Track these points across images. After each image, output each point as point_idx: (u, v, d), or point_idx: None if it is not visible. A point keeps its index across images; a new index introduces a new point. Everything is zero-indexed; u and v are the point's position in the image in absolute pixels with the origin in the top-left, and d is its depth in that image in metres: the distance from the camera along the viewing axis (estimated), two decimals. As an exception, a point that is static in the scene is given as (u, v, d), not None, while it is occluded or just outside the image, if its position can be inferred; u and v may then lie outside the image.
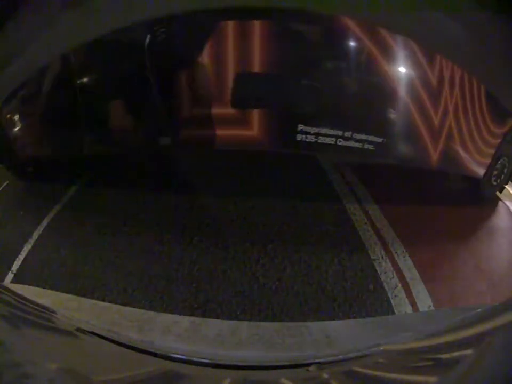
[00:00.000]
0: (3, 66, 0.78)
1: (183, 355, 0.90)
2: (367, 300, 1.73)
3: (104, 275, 1.89)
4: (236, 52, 1.71)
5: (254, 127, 1.75)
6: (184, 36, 1.85)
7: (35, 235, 2.15)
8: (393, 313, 1.69)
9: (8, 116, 2.43)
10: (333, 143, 1.70)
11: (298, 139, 1.70)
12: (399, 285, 1.81)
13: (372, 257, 1.96)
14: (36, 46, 0.79)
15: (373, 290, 1.78)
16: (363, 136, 1.70)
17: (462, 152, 1.91)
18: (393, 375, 0.87)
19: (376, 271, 1.88)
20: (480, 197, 2.32)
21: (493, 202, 2.47)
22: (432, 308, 1.71)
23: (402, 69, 1.66)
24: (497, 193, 2.46)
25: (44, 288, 1.73)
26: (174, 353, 0.90)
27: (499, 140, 2.17)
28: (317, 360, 0.86)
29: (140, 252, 2.00)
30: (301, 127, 1.68)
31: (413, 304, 1.73)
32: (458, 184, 2.53)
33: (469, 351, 0.79)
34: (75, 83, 2.11)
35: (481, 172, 2.12)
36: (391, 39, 1.60)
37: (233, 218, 2.20)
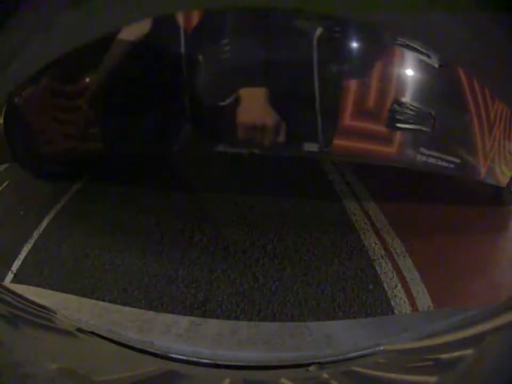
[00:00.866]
0: (3, 66, 0.78)
1: (183, 355, 0.90)
2: (367, 300, 1.73)
3: (104, 275, 1.88)
4: (398, 76, 1.92)
5: (395, 145, 1.98)
6: (360, 43, 1.86)
7: (35, 235, 2.15)
8: (393, 313, 1.69)
9: (36, 105, 2.14)
10: (434, 162, 2.03)
11: (418, 159, 2.00)
12: (399, 285, 1.81)
13: (372, 257, 1.96)
14: (36, 46, 0.79)
15: (372, 290, 1.78)
16: (452, 158, 2.06)
17: (497, 168, 2.27)
18: (393, 375, 0.87)
19: (376, 271, 1.88)
20: (499, 203, 2.52)
21: (501, 205, 2.50)
22: (432, 308, 1.71)
23: (482, 108, 2.06)
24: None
25: (44, 288, 1.73)
26: (174, 353, 0.90)
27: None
28: (317, 360, 0.86)
29: (140, 251, 2.00)
30: (422, 149, 1.99)
31: (413, 304, 1.73)
32: (460, 185, 2.54)
33: (469, 351, 0.79)
34: (185, 63, 1.84)
35: (505, 182, 2.43)
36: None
37: (233, 218, 2.20)
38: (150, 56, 1.99)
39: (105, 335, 0.94)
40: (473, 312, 0.87)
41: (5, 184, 2.59)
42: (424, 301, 1.74)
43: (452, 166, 2.06)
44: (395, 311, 1.70)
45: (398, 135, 1.96)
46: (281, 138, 1.93)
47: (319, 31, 1.78)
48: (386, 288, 1.79)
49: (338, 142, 1.94)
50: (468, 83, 1.96)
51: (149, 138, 2.12)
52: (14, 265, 1.97)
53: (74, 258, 2.01)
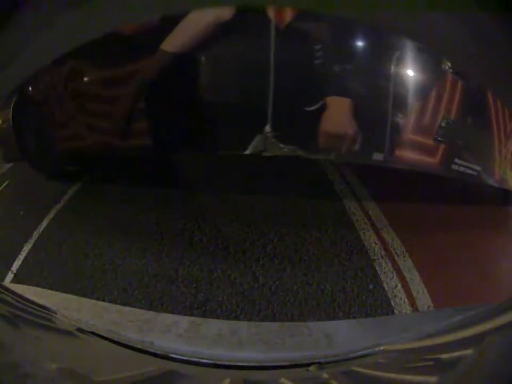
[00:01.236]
0: (3, 66, 0.78)
1: (183, 355, 0.90)
2: (367, 300, 1.73)
3: (104, 275, 1.89)
4: (448, 97, 2.15)
5: (437, 156, 2.20)
6: (427, 69, 2.07)
7: (35, 235, 2.15)
8: (393, 313, 1.69)
9: (57, 94, 1.88)
10: (463, 171, 2.24)
11: (452, 167, 2.21)
12: (399, 285, 1.81)
13: (372, 257, 1.96)
14: (36, 46, 0.79)
15: (372, 290, 1.78)
16: (476, 167, 2.28)
17: (509, 176, 2.44)
18: (393, 375, 0.87)
19: (376, 271, 1.88)
20: (500, 203, 2.65)
21: (502, 205, 2.51)
22: (432, 307, 1.71)
23: (501, 121, 2.29)
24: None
25: (44, 288, 1.73)
26: (174, 353, 0.90)
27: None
28: (317, 360, 0.86)
29: (140, 251, 2.00)
30: (456, 160, 2.21)
31: (413, 304, 1.73)
32: (460, 185, 2.54)
33: (469, 351, 0.79)
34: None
35: None
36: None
37: (233, 218, 2.20)
38: (234, 45, 1.87)
39: (105, 335, 0.94)
40: (473, 312, 0.87)
41: (5, 184, 2.58)
42: (424, 301, 1.74)
43: (475, 173, 2.30)
44: (395, 311, 1.70)
45: (440, 148, 2.19)
46: (357, 147, 2.02)
47: (397, 53, 1.94)
48: (386, 288, 1.79)
49: (398, 152, 2.15)
50: (493, 99, 2.19)
51: (221, 140, 2.01)
52: (14, 265, 1.97)
53: (74, 258, 2.01)
